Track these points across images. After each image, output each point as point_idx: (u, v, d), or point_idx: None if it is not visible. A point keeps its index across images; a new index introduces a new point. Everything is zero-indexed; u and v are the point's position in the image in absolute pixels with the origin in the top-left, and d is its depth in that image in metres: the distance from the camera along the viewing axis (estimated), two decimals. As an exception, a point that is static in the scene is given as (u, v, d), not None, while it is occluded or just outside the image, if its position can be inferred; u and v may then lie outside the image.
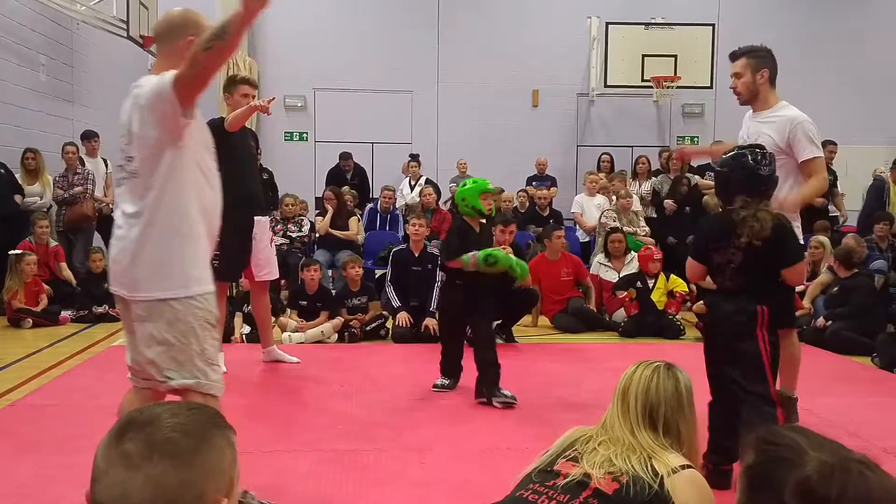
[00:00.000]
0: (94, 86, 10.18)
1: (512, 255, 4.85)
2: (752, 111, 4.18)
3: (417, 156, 11.15)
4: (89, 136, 8.98)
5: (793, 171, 3.99)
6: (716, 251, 3.32)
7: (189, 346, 2.56)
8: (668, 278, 7.32)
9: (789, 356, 4.13)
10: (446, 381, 4.98)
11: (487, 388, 4.63)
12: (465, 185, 4.96)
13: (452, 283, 4.91)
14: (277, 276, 5.55)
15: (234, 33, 2.39)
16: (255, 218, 5.18)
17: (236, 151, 4.97)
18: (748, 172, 3.25)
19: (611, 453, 1.93)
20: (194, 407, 1.09)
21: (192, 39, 2.54)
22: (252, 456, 3.46)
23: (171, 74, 2.48)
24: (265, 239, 5.32)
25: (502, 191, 9.76)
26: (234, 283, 8.60)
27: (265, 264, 5.33)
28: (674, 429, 2.00)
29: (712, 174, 9.66)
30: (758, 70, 4.05)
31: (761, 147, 3.39)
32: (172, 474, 1.01)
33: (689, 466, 1.92)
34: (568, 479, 1.88)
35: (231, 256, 5.05)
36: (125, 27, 9.31)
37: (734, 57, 4.17)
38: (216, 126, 5.04)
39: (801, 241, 4.05)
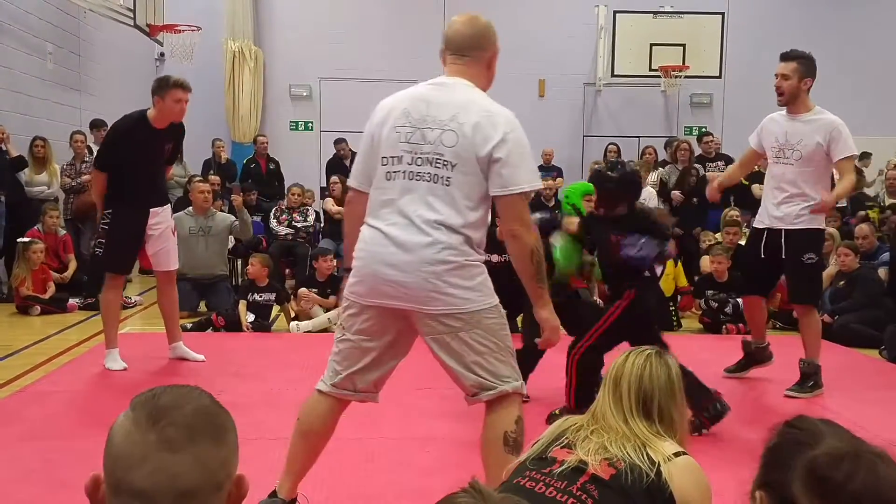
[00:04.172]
0: (101, 74, 10.18)
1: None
2: (786, 112, 4.50)
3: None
4: (98, 125, 8.98)
5: (827, 169, 4.51)
6: None
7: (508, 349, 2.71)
8: (675, 264, 7.29)
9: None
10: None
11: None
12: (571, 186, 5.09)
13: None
14: (178, 266, 5.38)
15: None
16: (151, 210, 5.04)
17: (139, 148, 4.88)
18: None
19: (605, 440, 1.93)
20: (195, 391, 1.11)
21: (494, 53, 2.83)
22: (258, 443, 3.47)
23: (518, 186, 2.60)
24: (166, 230, 5.17)
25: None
26: (235, 273, 8.64)
27: (166, 255, 5.19)
28: (668, 416, 2.00)
29: (714, 165, 9.67)
30: (804, 77, 4.38)
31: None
32: (214, 453, 1.04)
33: (683, 453, 1.93)
34: (564, 466, 1.88)
35: (115, 247, 4.96)
36: (132, 15, 9.31)
37: (786, 58, 4.43)
38: (133, 120, 4.94)
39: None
